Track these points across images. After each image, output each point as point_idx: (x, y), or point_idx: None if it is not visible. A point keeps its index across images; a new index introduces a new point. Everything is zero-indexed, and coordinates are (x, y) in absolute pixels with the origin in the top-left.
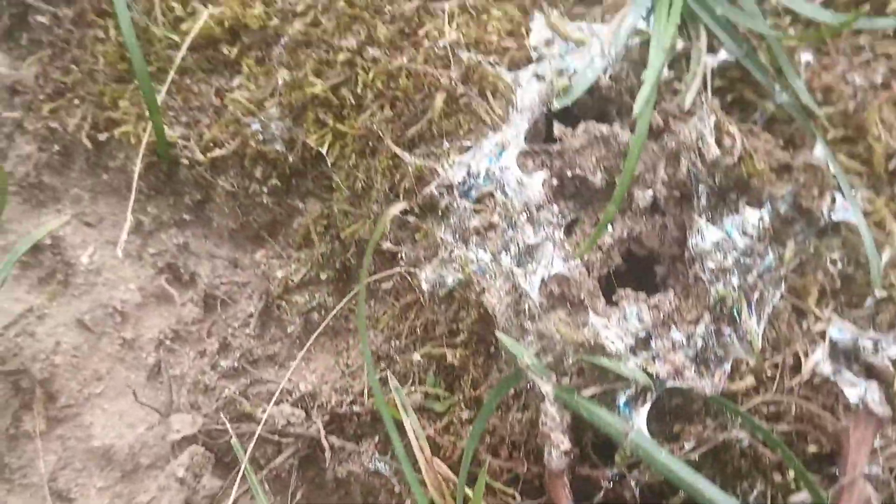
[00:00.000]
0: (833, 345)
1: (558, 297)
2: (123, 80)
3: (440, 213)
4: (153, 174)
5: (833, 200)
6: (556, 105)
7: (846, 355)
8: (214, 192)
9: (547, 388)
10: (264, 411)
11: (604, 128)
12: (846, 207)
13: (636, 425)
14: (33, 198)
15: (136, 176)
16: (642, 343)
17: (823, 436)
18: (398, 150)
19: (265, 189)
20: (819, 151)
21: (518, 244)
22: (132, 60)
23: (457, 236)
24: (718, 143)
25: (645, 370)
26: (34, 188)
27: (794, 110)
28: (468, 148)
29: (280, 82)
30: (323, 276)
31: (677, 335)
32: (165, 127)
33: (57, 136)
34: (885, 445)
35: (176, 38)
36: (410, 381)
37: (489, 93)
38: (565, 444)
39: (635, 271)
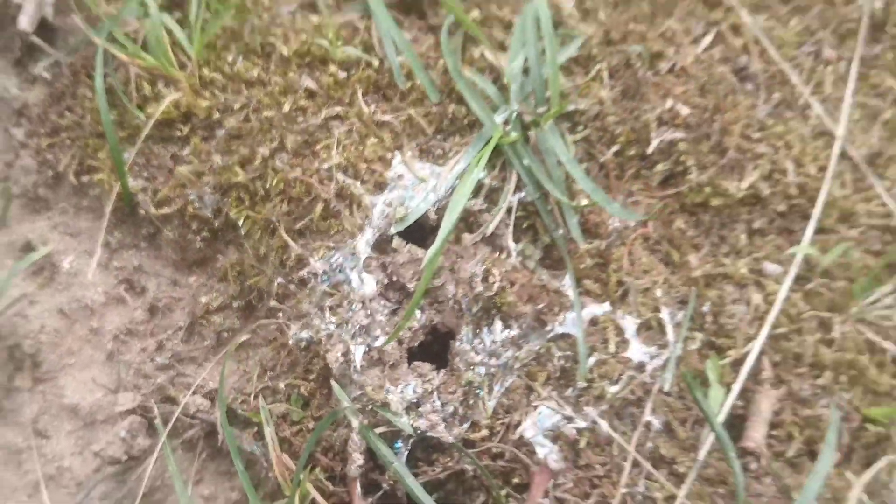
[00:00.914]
0: (540, 415)
1: (376, 361)
2: (103, 136)
3: (307, 290)
4: (120, 209)
5: (565, 316)
6: (393, 230)
7: (550, 424)
8: (162, 232)
9: (354, 423)
10: (184, 397)
11: (420, 251)
12: (574, 322)
13: (401, 458)
14: (31, 204)
15: (107, 212)
16: (415, 405)
17: (525, 473)
18: (287, 238)
19: (198, 237)
20: (567, 279)
21: (354, 322)
22: (105, 127)
23: (315, 308)
24: (485, 279)
25: (412, 424)
26: (32, 197)
27: (561, 243)
28: (332, 247)
29: (215, 164)
30: (234, 305)
31: (437, 402)
32: (130, 178)
33: (50, 164)
34: (558, 485)
35: (143, 116)
36: (280, 396)
37: (354, 207)
38: (360, 461)
39: (440, 342)
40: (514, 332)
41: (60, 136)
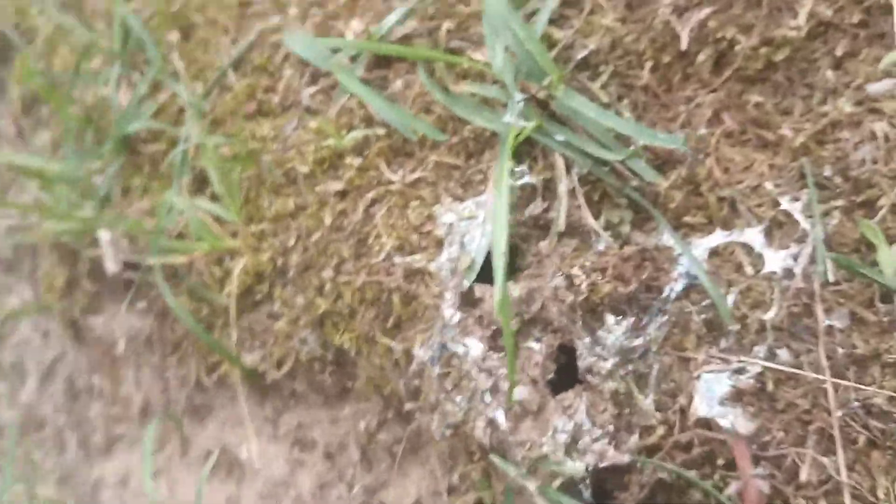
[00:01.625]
0: (705, 384)
1: (521, 414)
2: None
3: (426, 379)
4: (255, 384)
5: (678, 269)
6: (467, 283)
7: (720, 389)
8: (295, 387)
9: (531, 486)
10: None
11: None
12: (691, 269)
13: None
14: (196, 413)
15: (241, 396)
16: (573, 443)
17: (725, 449)
18: (387, 341)
19: (325, 375)
20: (662, 227)
21: (479, 389)
22: (198, 335)
23: (441, 394)
24: (570, 285)
25: (578, 464)
26: (192, 407)
27: (637, 197)
28: (426, 329)
29: (299, 304)
30: (389, 417)
31: (593, 428)
32: (246, 354)
33: (186, 376)
34: (765, 443)
35: (224, 297)
36: (465, 486)
37: (426, 279)
38: None
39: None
40: (631, 317)
41: (182, 347)
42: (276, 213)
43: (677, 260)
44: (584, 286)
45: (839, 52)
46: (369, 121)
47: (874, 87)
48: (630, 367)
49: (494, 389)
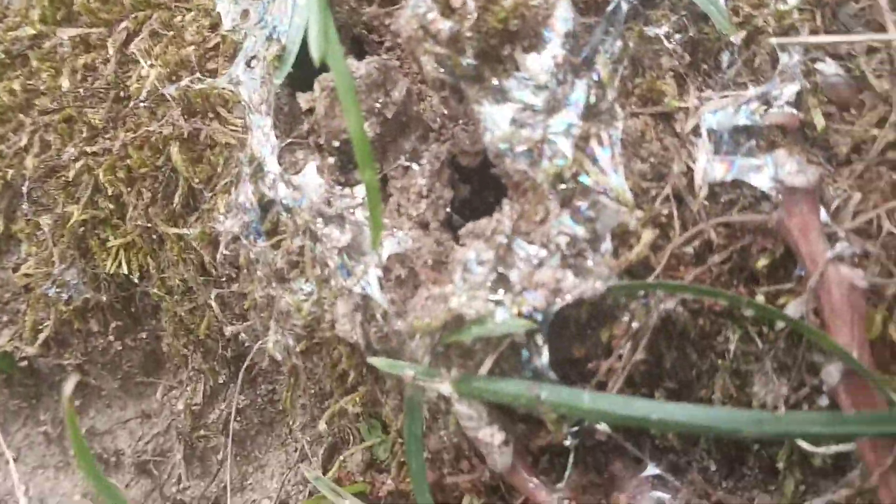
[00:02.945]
0: (714, 134)
1: (405, 280)
2: None
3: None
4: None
5: None
6: (277, 82)
7: (733, 136)
8: None
9: (445, 389)
10: None
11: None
12: None
13: (544, 380)
14: None
15: None
16: (499, 283)
17: (767, 240)
18: (177, 230)
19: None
20: None
21: (328, 256)
22: None
23: (276, 280)
24: (448, 13)
25: (519, 313)
26: None
27: None
28: (229, 186)
29: (48, 224)
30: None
31: (533, 249)
32: None
33: None
34: (848, 196)
35: None
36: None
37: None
38: (498, 436)
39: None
40: (557, 49)
41: None
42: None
43: None
44: (471, 7)
45: None
46: None
47: None
48: (573, 132)
49: (355, 248)
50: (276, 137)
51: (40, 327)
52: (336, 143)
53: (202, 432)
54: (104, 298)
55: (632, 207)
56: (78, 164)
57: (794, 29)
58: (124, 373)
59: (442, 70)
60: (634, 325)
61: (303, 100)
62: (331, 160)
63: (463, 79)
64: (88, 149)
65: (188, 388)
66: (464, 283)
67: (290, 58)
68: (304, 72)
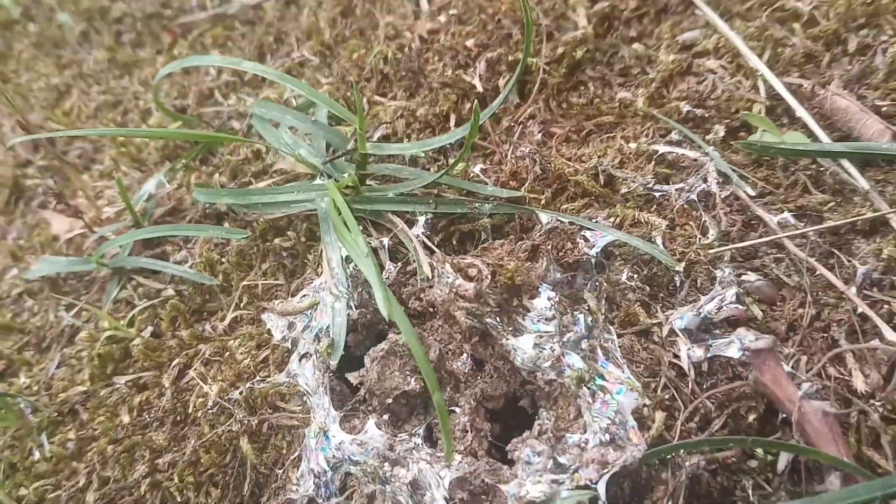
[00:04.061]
0: (687, 332)
1: (469, 500)
2: None
3: None
4: None
5: (584, 240)
6: (334, 364)
7: (700, 331)
8: None
9: None
10: None
11: (383, 345)
12: (599, 236)
13: None
14: None
15: None
16: (556, 470)
17: (751, 401)
18: None
19: None
20: (544, 217)
21: (398, 492)
22: None
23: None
24: (470, 278)
25: (576, 487)
26: None
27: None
28: (298, 461)
29: None
30: None
31: (574, 437)
32: None
33: None
34: (797, 358)
35: None
36: None
37: (276, 403)
38: None
39: (508, 424)
40: (553, 291)
41: None
42: (55, 456)
43: (578, 231)
44: (485, 273)
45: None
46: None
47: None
48: (582, 346)
49: (420, 482)
50: (335, 410)
51: None
52: (388, 401)
53: None
54: None
55: (642, 394)
56: (147, 481)
57: (718, 257)
58: None
59: (472, 319)
60: (670, 486)
61: (353, 377)
62: (385, 417)
63: (489, 325)
64: (159, 461)
65: None
66: (525, 474)
67: (340, 346)
68: (342, 362)
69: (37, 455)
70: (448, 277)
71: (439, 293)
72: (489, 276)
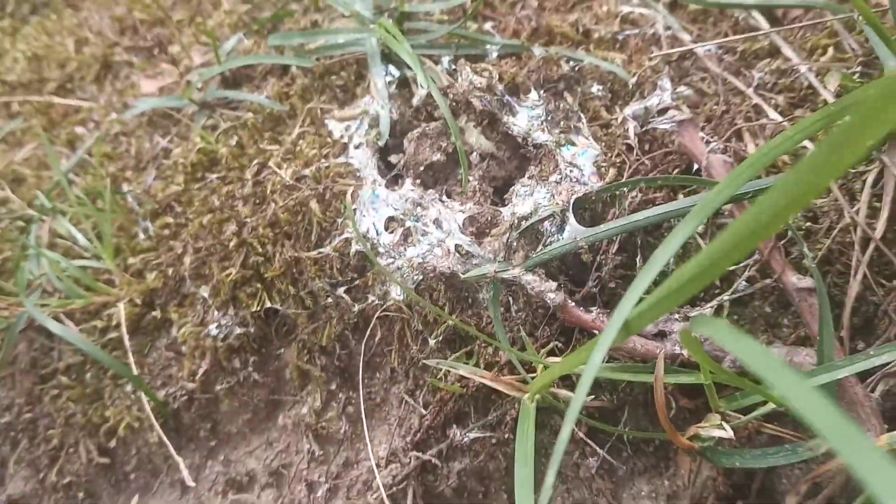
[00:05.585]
0: (635, 118)
1: (476, 231)
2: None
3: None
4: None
5: (566, 62)
6: (381, 143)
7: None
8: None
9: (515, 271)
10: None
11: (418, 129)
12: (577, 61)
13: (577, 234)
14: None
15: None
16: (539, 196)
17: (676, 161)
18: (314, 255)
19: (250, 373)
20: (537, 51)
21: (426, 225)
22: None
23: (394, 256)
24: (481, 76)
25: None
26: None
27: (504, 52)
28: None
29: (203, 296)
30: (331, 387)
31: (553, 178)
32: (159, 392)
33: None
34: (710, 137)
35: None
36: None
37: (336, 178)
38: (552, 284)
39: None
40: (540, 94)
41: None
42: (156, 236)
43: (562, 59)
44: (494, 74)
45: None
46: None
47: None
48: (560, 125)
49: (443, 219)
50: (381, 176)
51: (196, 368)
52: (420, 169)
53: (323, 423)
54: (252, 331)
55: (602, 153)
56: (233, 242)
57: (659, 72)
58: (253, 406)
59: (484, 102)
60: (617, 212)
61: (394, 158)
62: (418, 181)
63: (495, 108)
64: (244, 227)
65: (309, 398)
66: (517, 200)
67: (386, 133)
68: (385, 150)
69: (141, 236)
70: (468, 74)
71: (460, 85)
72: (497, 76)
